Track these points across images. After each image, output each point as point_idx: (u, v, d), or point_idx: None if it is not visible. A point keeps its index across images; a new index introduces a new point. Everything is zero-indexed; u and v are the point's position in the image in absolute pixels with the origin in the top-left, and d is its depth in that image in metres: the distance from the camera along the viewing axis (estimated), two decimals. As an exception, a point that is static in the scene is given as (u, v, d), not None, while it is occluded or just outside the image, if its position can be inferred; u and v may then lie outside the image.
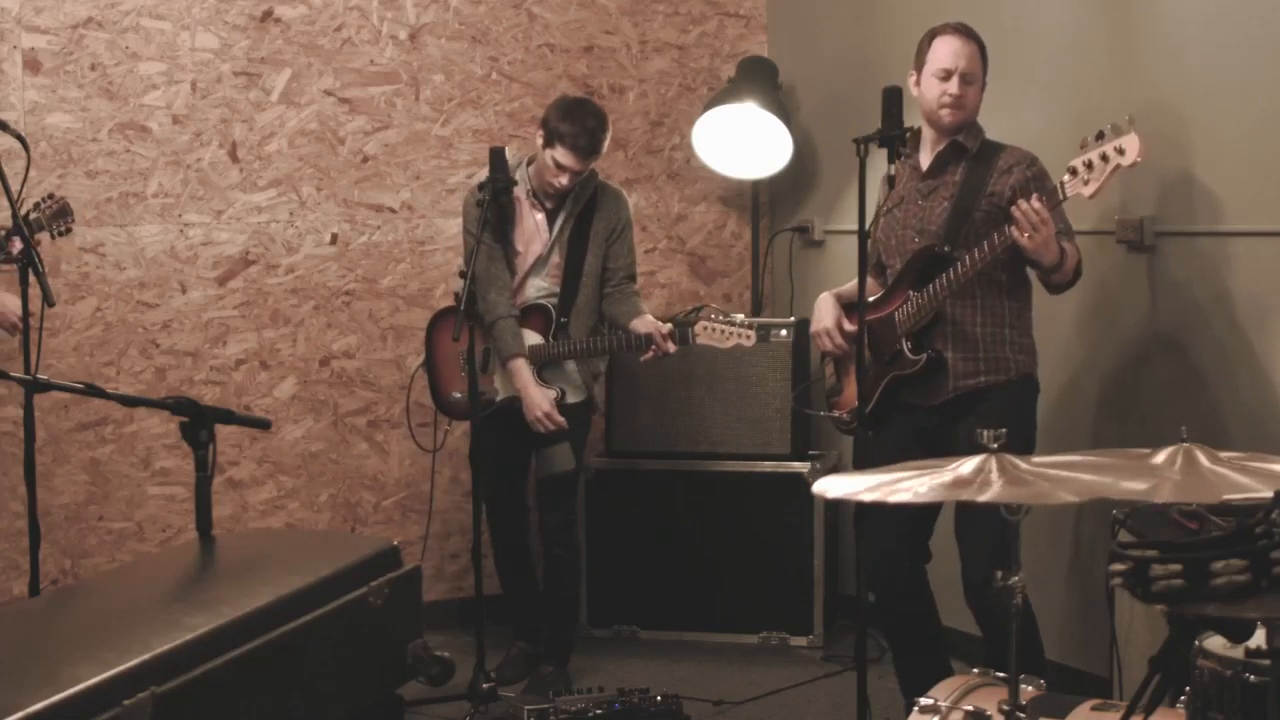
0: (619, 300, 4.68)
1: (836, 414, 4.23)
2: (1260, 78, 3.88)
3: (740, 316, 4.49)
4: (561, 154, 4.48)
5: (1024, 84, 4.46)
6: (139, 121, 4.99)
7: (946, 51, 3.92)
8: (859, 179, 3.86)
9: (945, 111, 3.93)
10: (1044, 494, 2.42)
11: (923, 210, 3.99)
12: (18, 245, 4.18)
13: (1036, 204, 3.64)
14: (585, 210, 4.67)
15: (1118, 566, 2.08)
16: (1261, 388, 3.93)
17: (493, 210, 4.43)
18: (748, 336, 4.45)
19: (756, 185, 5.71)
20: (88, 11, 4.90)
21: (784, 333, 5.16)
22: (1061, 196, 3.65)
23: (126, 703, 2.74)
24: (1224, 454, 2.53)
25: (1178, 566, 2.04)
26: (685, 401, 5.21)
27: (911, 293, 3.94)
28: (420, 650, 3.72)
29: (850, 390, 4.15)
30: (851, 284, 4.18)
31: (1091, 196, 3.61)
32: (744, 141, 5.47)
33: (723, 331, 4.45)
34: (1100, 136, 3.55)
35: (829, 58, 5.48)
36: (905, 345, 3.95)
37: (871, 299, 4.01)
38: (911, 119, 3.89)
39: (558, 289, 4.67)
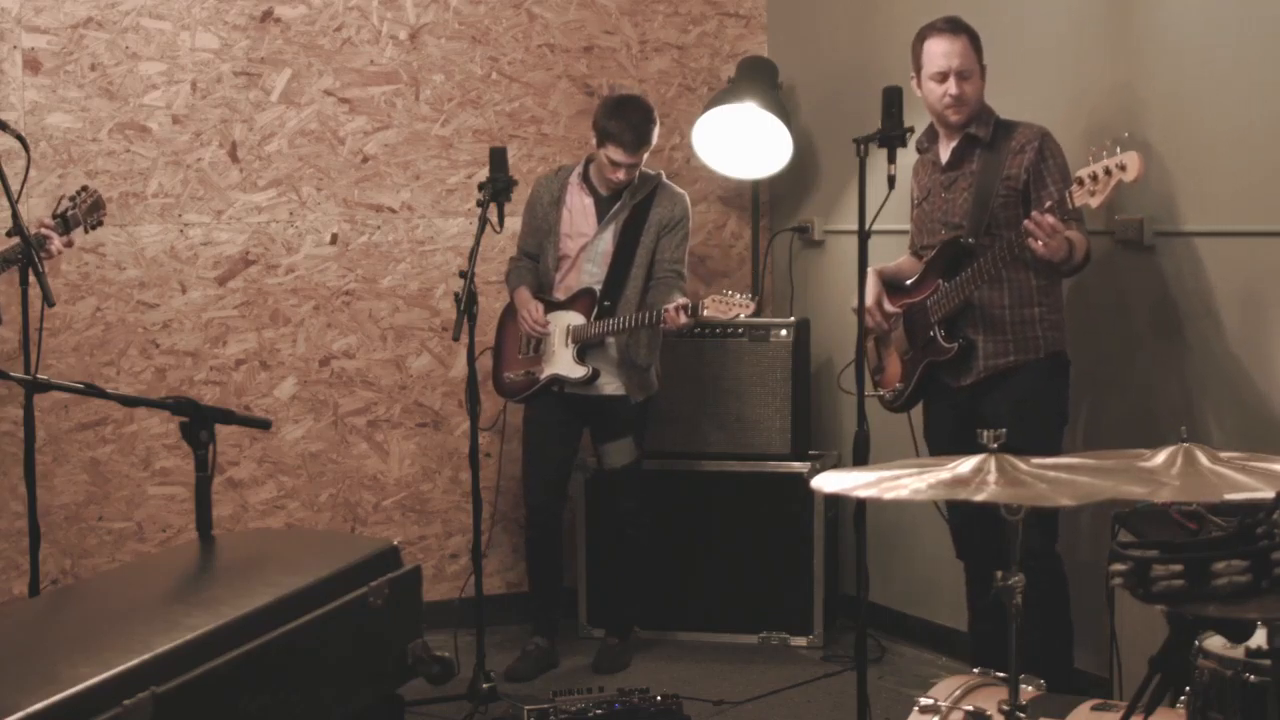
0: (660, 289, 4.81)
1: (881, 392, 4.35)
2: (1260, 78, 3.88)
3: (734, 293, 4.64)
4: (612, 151, 4.70)
5: (1023, 83, 4.46)
6: (139, 121, 4.99)
7: (938, 52, 4.06)
8: (859, 179, 3.88)
9: (949, 112, 4.07)
10: (1041, 496, 2.41)
11: (946, 203, 4.13)
12: (56, 243, 4.20)
13: (1047, 218, 3.74)
14: (643, 204, 4.84)
15: (1118, 566, 2.08)
16: (1261, 387, 3.93)
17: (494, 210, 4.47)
18: (746, 306, 4.58)
19: (756, 185, 5.71)
20: (88, 11, 4.90)
21: (784, 333, 5.16)
22: (1070, 206, 3.74)
23: (126, 703, 2.74)
24: (1224, 454, 2.53)
25: (1178, 566, 2.04)
26: (685, 401, 5.21)
27: (941, 282, 4.07)
28: (420, 650, 3.72)
29: (892, 369, 4.30)
30: (897, 261, 4.38)
31: (1097, 207, 3.73)
32: (744, 141, 5.46)
33: (726, 304, 4.58)
34: (1106, 149, 3.65)
35: (829, 58, 5.48)
36: (939, 333, 4.08)
37: (908, 282, 4.23)
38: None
39: (607, 275, 4.83)
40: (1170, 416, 4.10)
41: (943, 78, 4.04)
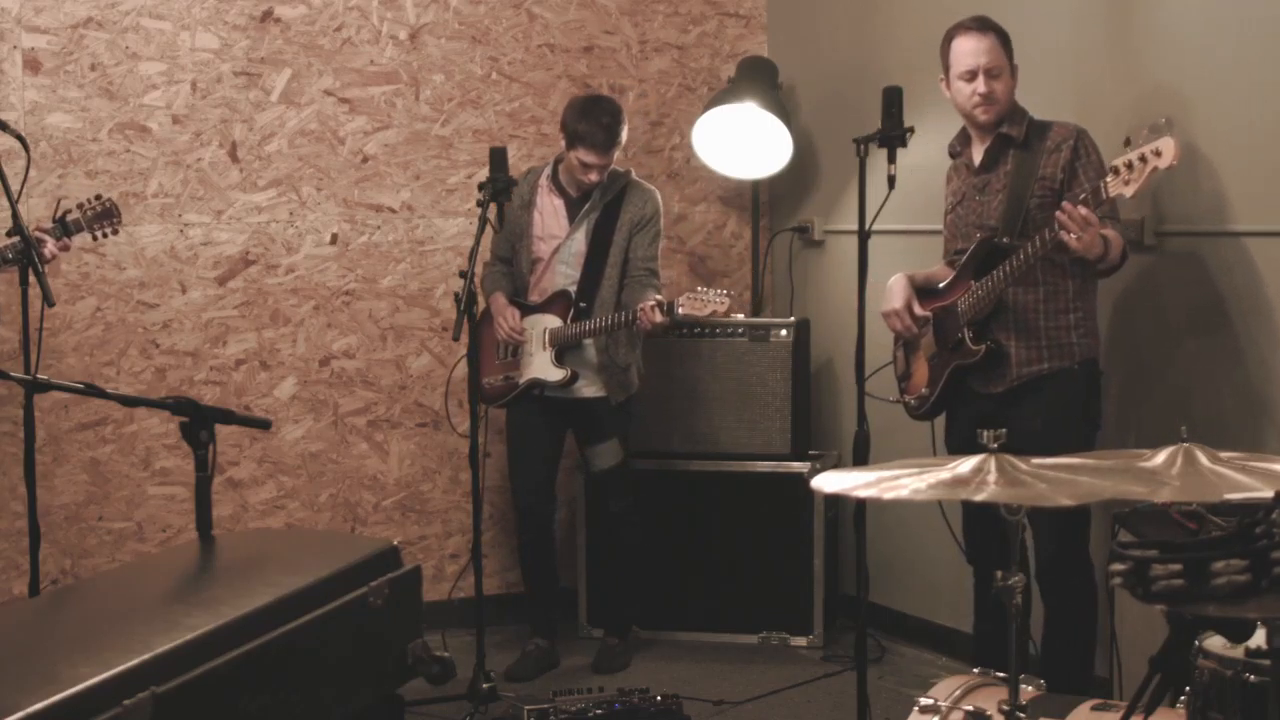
0: (634, 289, 4.79)
1: (906, 398, 4.26)
2: (1260, 78, 3.88)
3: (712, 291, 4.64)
4: (583, 153, 4.67)
5: (1024, 84, 4.45)
6: (139, 121, 4.99)
7: (965, 51, 3.96)
8: (859, 179, 3.88)
9: (979, 111, 3.97)
10: (1041, 496, 2.41)
11: (981, 205, 4.03)
12: (50, 246, 4.20)
13: (1081, 209, 3.64)
14: (614, 202, 4.81)
15: (1118, 566, 2.08)
16: (1262, 387, 3.93)
17: (494, 210, 4.48)
18: (721, 303, 4.57)
19: (756, 185, 5.71)
20: (88, 11, 4.90)
21: (784, 333, 5.16)
22: (1104, 196, 3.64)
23: (126, 703, 2.74)
24: (1224, 454, 2.53)
25: (1178, 566, 2.04)
26: (685, 401, 5.21)
27: (973, 283, 3.97)
28: (420, 650, 3.72)
29: (919, 374, 4.20)
30: (928, 269, 4.26)
31: (1132, 196, 3.63)
32: (744, 141, 5.46)
33: (702, 301, 4.56)
34: (1144, 136, 3.55)
35: (829, 58, 5.48)
36: (967, 334, 3.97)
37: (940, 285, 4.12)
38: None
39: (581, 276, 4.81)
40: (1170, 416, 4.10)
41: (971, 76, 3.94)
